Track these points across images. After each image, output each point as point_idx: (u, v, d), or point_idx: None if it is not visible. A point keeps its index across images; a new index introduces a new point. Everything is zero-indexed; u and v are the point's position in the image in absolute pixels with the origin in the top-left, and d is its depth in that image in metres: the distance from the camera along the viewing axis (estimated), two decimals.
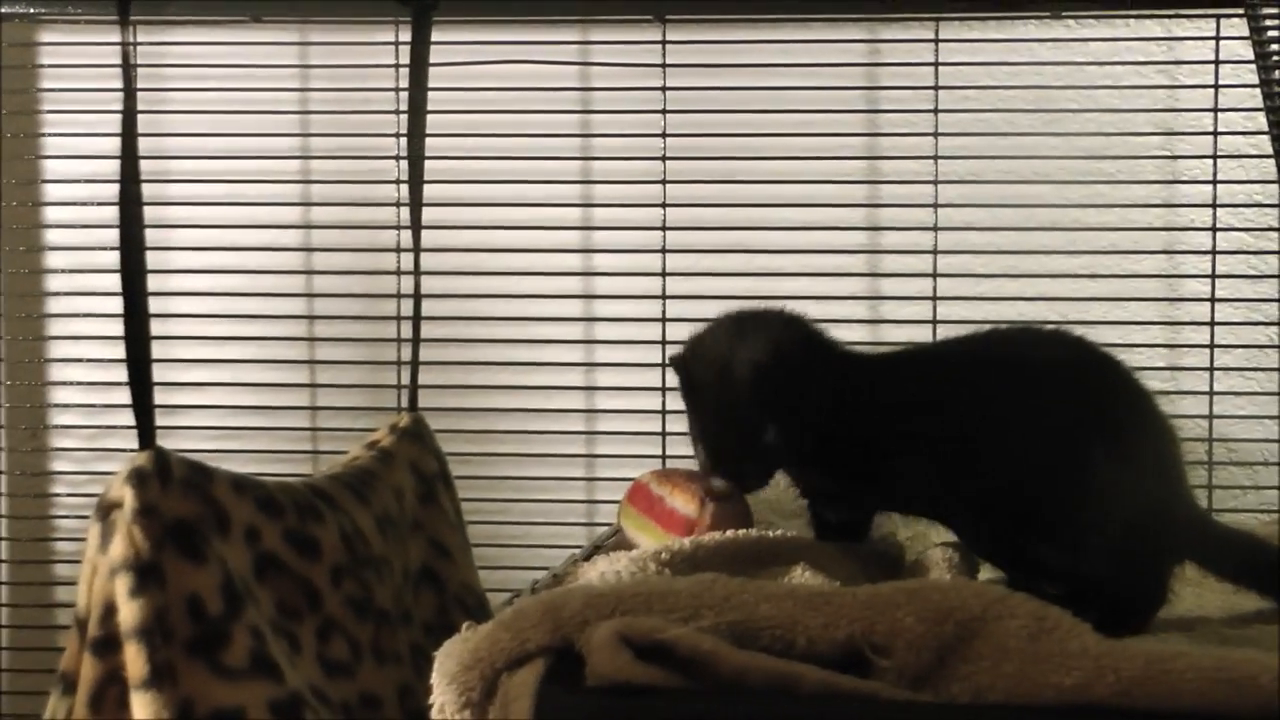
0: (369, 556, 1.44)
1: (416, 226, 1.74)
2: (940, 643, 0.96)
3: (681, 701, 0.95)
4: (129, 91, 1.27)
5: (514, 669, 0.99)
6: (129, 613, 1.18)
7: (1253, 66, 1.60)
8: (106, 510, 1.21)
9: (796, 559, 1.28)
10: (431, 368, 1.94)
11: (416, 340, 1.75)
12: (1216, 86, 1.90)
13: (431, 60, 1.77)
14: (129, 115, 1.25)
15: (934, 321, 1.94)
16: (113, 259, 1.24)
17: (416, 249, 1.74)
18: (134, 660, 1.18)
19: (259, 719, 1.22)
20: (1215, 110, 1.91)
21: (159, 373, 1.97)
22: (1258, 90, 1.56)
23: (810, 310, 1.81)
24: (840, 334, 1.44)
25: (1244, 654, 0.96)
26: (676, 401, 1.94)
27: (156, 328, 1.99)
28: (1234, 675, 0.91)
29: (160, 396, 1.97)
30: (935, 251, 1.94)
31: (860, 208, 2.00)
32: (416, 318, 1.75)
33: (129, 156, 1.24)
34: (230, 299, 2.06)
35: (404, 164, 1.80)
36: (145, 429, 1.26)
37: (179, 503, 1.23)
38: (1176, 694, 0.91)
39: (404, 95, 1.80)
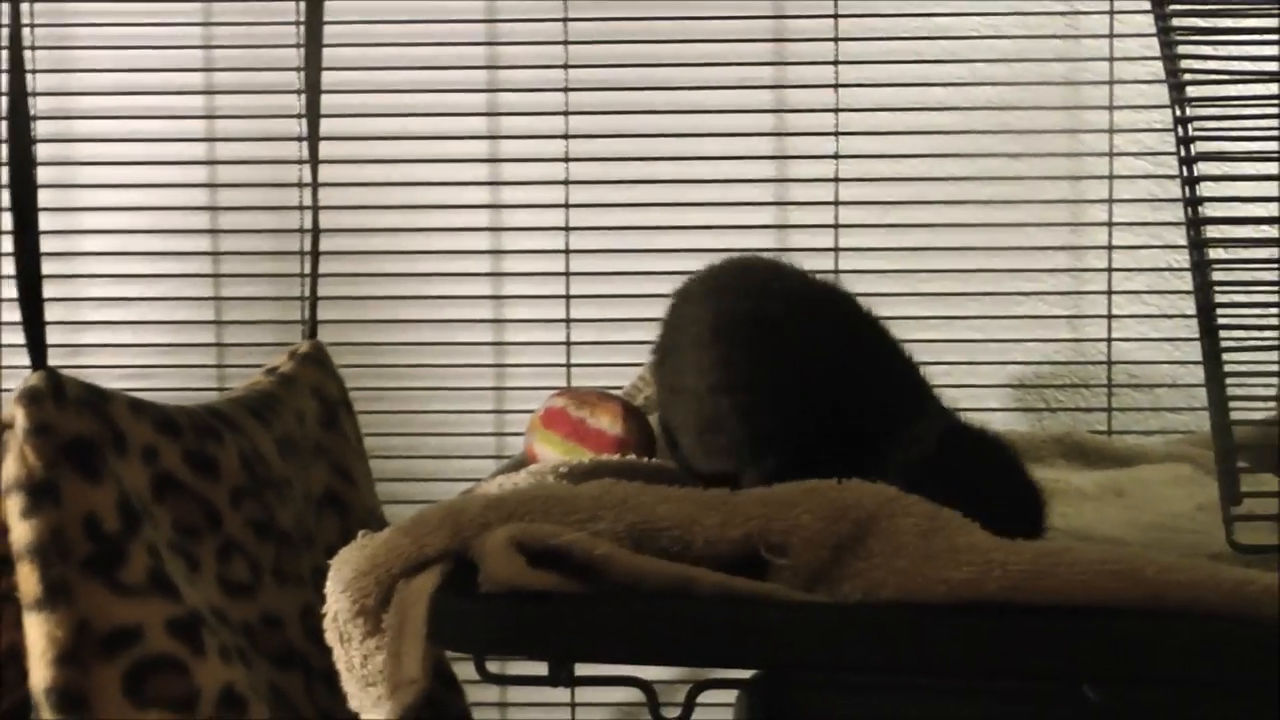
0: (270, 478, 1.44)
1: (314, 159, 1.74)
2: (837, 540, 0.96)
3: (576, 606, 0.95)
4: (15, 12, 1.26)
5: (412, 575, 0.99)
6: (21, 532, 1.18)
7: None
8: None
9: None
10: (340, 303, 1.94)
11: (315, 269, 1.74)
12: (1112, 13, 1.93)
13: None
14: (15, 34, 1.24)
15: (835, 249, 1.95)
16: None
17: (315, 179, 1.73)
18: (26, 580, 1.17)
19: (157, 637, 1.22)
20: (1110, 36, 1.92)
21: (65, 311, 1.96)
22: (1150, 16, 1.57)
23: (714, 243, 1.84)
24: None
25: (1130, 549, 0.97)
26: (580, 333, 1.96)
27: (62, 266, 1.99)
28: (1120, 568, 0.92)
29: (66, 335, 1.99)
30: (836, 180, 1.95)
31: (766, 137, 2.00)
32: (315, 249, 1.75)
33: (15, 68, 1.23)
34: (136, 236, 2.04)
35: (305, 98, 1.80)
36: (38, 350, 1.25)
37: (74, 421, 1.22)
38: (1066, 587, 0.91)
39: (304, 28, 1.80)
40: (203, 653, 1.23)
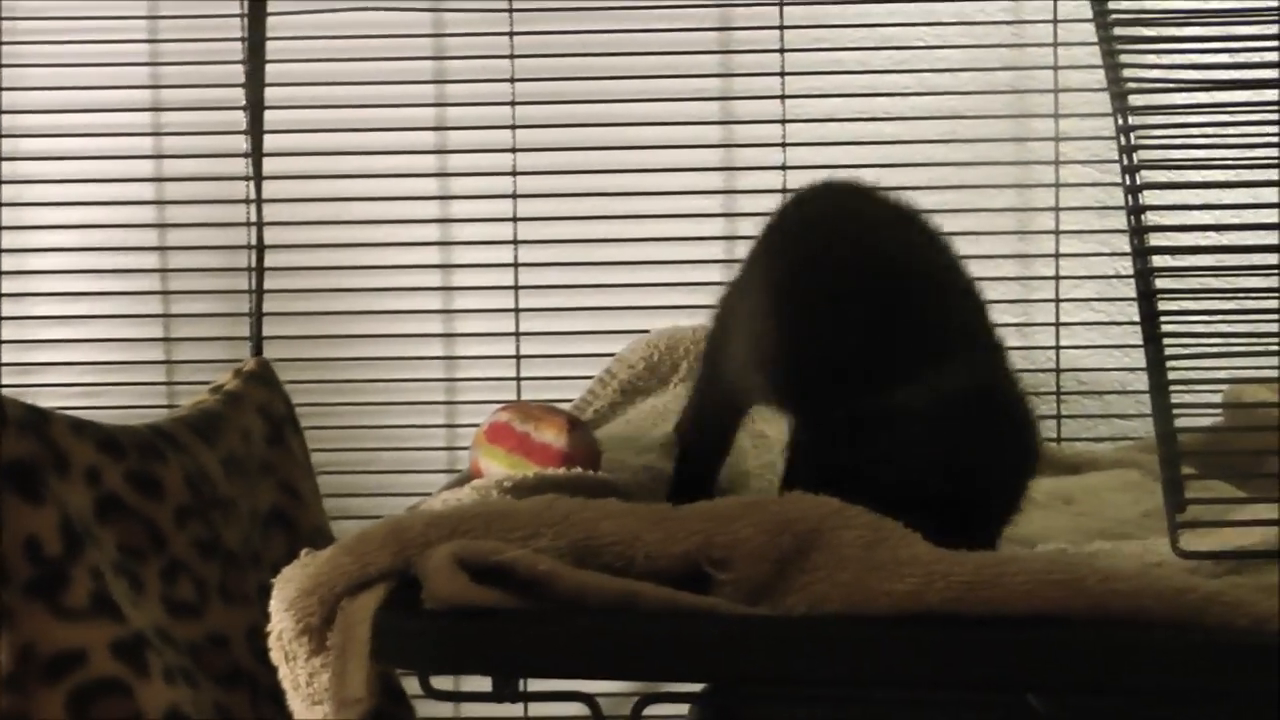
0: (215, 497, 1.43)
1: (258, 174, 1.74)
2: (779, 554, 0.97)
3: (520, 622, 0.95)
4: None
5: (355, 593, 0.98)
6: None
7: None
8: None
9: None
10: (288, 319, 1.92)
11: (260, 285, 1.73)
12: (1056, 21, 1.93)
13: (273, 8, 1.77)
14: None
15: None
16: None
17: (259, 194, 1.73)
18: None
19: (101, 660, 1.21)
20: (1055, 45, 1.93)
21: (11, 330, 1.95)
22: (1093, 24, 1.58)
23: (662, 254, 1.84)
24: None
25: (1073, 557, 0.97)
26: (530, 347, 1.96)
27: (8, 285, 1.97)
28: (1063, 577, 0.92)
29: (13, 354, 1.97)
30: (784, 191, 1.94)
31: (713, 149, 2.01)
32: (260, 266, 1.74)
33: None
34: (83, 254, 2.02)
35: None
36: None
37: (15, 444, 1.22)
38: (1009, 597, 0.92)
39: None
40: (147, 674, 1.23)
